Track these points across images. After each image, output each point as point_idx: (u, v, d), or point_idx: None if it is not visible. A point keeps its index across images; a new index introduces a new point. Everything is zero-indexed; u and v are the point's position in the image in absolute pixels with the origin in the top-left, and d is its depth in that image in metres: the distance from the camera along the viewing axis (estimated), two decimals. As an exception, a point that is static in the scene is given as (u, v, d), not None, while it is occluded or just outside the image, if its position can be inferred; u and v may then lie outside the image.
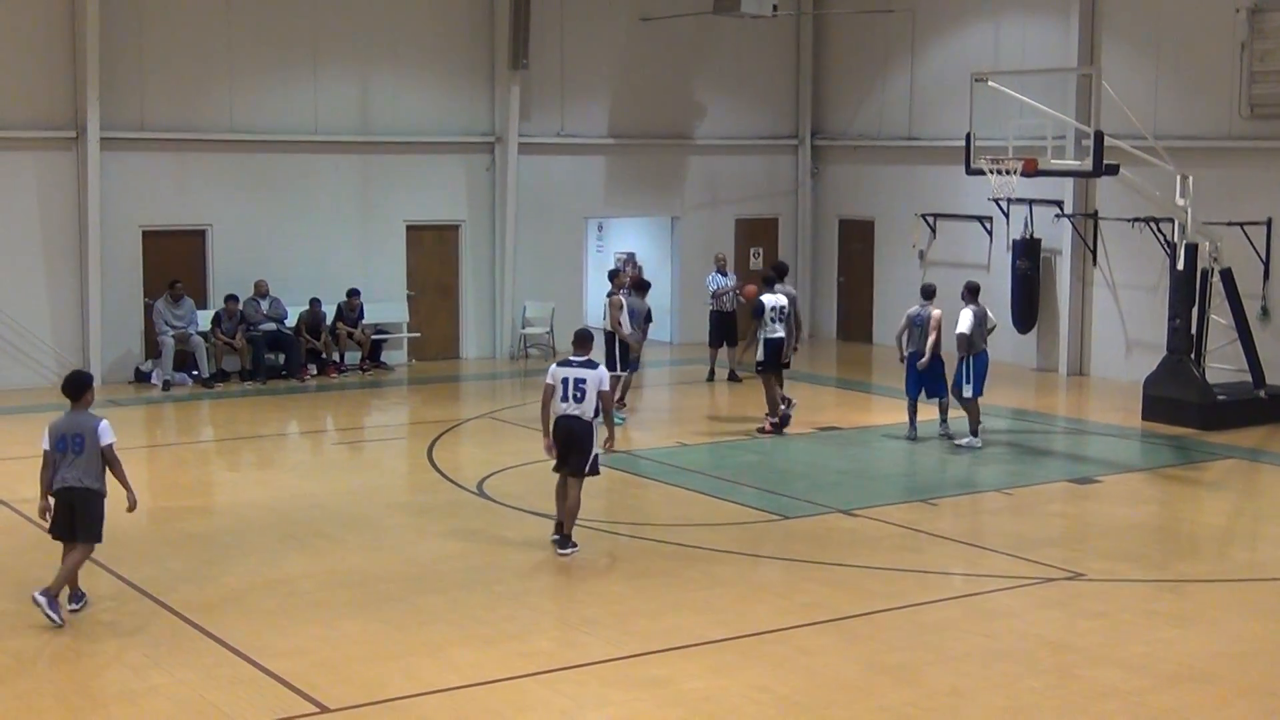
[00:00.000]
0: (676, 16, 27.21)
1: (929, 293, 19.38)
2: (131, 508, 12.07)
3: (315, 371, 24.43)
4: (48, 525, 12.02)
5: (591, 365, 13.84)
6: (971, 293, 19.15)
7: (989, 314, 19.25)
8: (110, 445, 11.75)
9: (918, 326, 19.05)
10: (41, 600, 11.60)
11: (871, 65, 28.55)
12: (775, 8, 26.07)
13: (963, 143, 21.26)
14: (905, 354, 19.24)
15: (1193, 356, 20.65)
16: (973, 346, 18.86)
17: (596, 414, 13.75)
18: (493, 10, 26.07)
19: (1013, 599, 12.64)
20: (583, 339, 14.11)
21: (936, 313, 19.04)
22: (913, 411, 19.25)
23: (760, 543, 14.52)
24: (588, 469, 13.83)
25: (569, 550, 13.82)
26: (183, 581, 12.89)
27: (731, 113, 29.01)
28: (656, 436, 19.93)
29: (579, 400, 13.70)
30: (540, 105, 26.86)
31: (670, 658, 11.05)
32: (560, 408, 13.76)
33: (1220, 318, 20.98)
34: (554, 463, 14.00)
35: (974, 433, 18.92)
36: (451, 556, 13.85)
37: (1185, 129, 22.99)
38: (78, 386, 11.93)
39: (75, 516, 11.81)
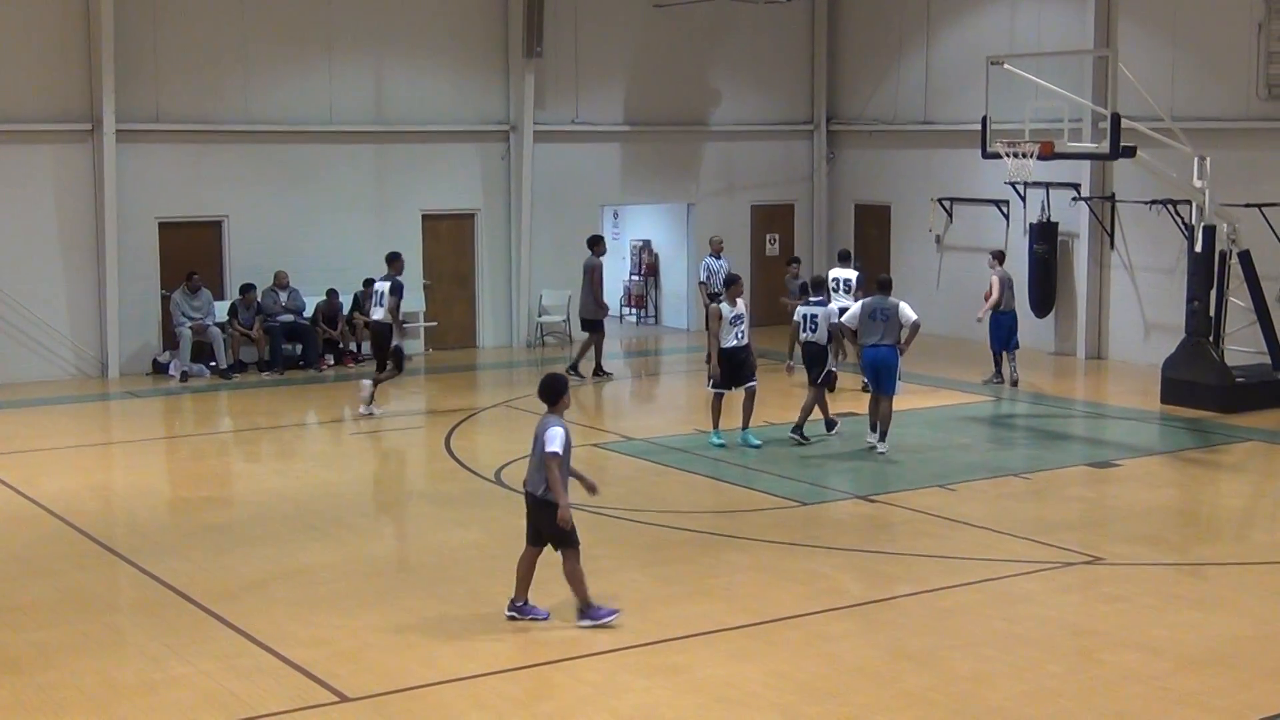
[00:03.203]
0: (690, 2, 27.16)
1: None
2: (560, 521, 11.17)
3: (332, 361, 24.48)
4: None
5: (823, 304, 18.57)
6: (883, 286, 18.00)
7: (902, 308, 17.62)
8: (551, 454, 11.10)
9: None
10: (585, 623, 11.34)
11: (887, 49, 28.47)
12: (789, -8, 26.00)
13: (979, 126, 21.20)
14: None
15: (1211, 339, 20.57)
16: (859, 339, 18.12)
17: (829, 340, 18.43)
18: (506, -2, 26.10)
19: (1032, 583, 12.61)
20: (818, 284, 19.21)
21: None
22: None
23: (779, 529, 14.50)
24: (820, 380, 18.26)
25: (814, 437, 18.17)
26: (202, 572, 12.93)
27: (746, 99, 28.96)
28: (673, 423, 19.92)
29: (813, 331, 18.25)
30: (555, 93, 26.84)
31: (690, 645, 11.05)
32: (802, 336, 18.35)
33: (1239, 300, 20.91)
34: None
35: (877, 433, 17.78)
36: (470, 545, 13.87)
37: (1202, 110, 22.89)
38: (545, 391, 11.49)
39: (532, 522, 11.49)
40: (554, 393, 11.49)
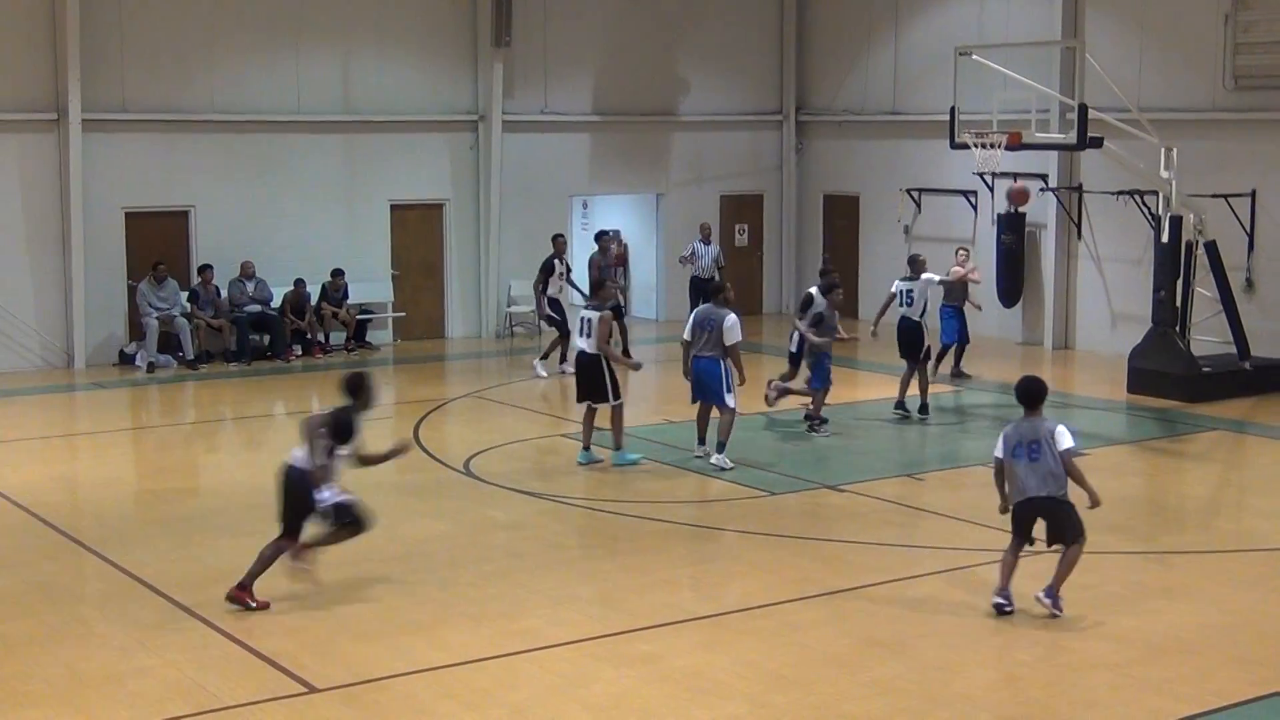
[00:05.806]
0: (659, -8, 27.16)
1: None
2: (1093, 505, 11.39)
3: (300, 352, 24.36)
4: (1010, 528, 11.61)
5: (914, 279, 19.26)
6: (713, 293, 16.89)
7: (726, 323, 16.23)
8: (1069, 450, 11.18)
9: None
10: (1044, 598, 11.37)
11: (856, 39, 28.50)
12: (758, -17, 26.02)
13: (947, 117, 21.24)
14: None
15: (1178, 329, 20.68)
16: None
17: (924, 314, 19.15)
18: (475, -13, 26.01)
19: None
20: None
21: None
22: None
23: (748, 519, 14.52)
24: (923, 356, 19.27)
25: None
26: (169, 563, 12.87)
27: (716, 88, 28.94)
28: (641, 413, 19.92)
29: (909, 305, 19.04)
30: (524, 83, 26.78)
31: (659, 634, 11.06)
32: (900, 311, 19.08)
33: (1205, 290, 21.01)
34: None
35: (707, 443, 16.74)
36: (439, 536, 13.85)
37: (1169, 101, 22.98)
38: (1033, 395, 11.41)
39: (1049, 527, 11.47)
40: (1035, 396, 11.45)
